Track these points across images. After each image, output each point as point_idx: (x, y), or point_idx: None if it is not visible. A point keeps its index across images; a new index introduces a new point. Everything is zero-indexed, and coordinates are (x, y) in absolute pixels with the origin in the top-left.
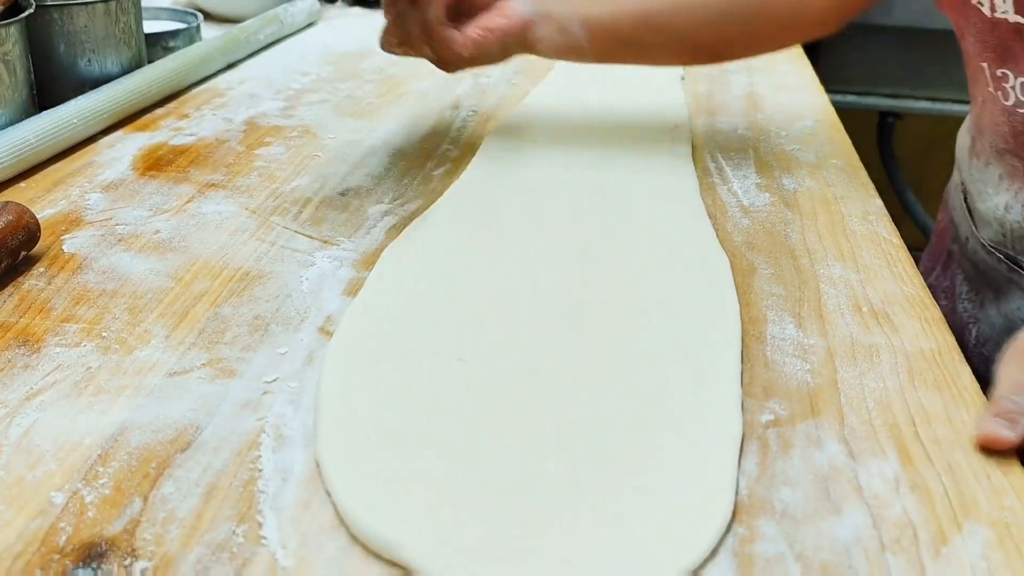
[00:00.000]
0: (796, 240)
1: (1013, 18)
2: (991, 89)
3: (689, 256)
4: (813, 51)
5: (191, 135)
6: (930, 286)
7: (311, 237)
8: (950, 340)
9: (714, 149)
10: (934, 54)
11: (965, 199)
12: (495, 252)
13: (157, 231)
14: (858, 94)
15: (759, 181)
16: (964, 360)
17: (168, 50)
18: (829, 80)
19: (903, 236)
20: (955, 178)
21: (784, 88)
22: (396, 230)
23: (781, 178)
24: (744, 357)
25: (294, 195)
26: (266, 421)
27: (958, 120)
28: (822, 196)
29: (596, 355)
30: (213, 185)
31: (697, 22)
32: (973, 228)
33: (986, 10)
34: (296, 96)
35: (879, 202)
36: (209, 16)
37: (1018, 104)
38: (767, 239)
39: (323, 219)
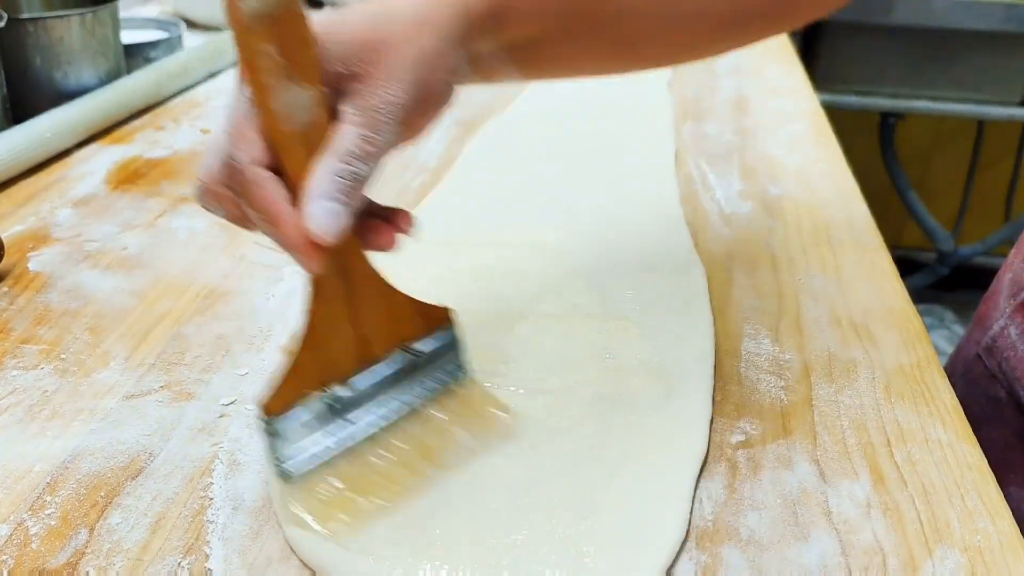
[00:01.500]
0: (778, 250)
1: None
2: None
3: (665, 268)
4: (812, 52)
5: (167, 147)
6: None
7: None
8: (930, 353)
9: (698, 156)
10: (935, 53)
11: None
12: (466, 264)
13: (125, 247)
14: (859, 94)
15: (742, 188)
16: (944, 374)
17: (149, 61)
18: (829, 80)
19: (905, 238)
20: None
21: (774, 91)
22: None
23: (766, 185)
24: (717, 374)
25: None
26: (220, 447)
27: (959, 120)
28: (807, 203)
29: (566, 367)
30: (185, 200)
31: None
32: None
33: None
34: None
35: (864, 208)
36: (194, 25)
37: None
38: (747, 249)
39: None
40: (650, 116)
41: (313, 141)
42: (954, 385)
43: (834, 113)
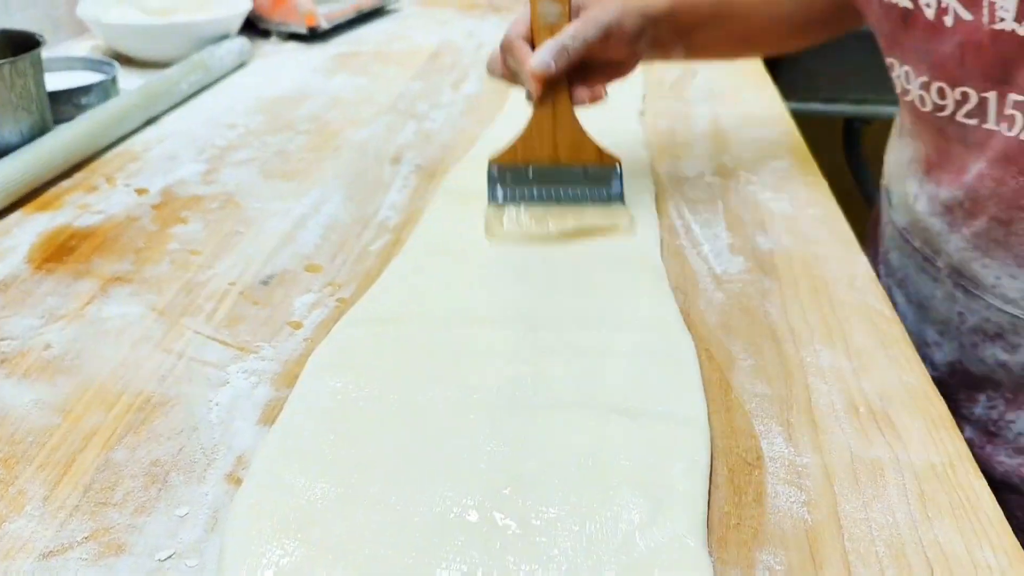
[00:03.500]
0: (777, 318)
1: (903, 3)
2: (892, 77)
3: (650, 348)
4: (776, 60)
5: (99, 213)
6: None
7: (226, 343)
8: (962, 449)
9: (680, 201)
10: None
11: (887, 182)
12: (433, 355)
13: (48, 346)
14: (824, 101)
15: (731, 241)
16: (980, 475)
17: (80, 108)
18: (793, 90)
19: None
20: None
21: (751, 119)
22: (325, 328)
23: (755, 235)
24: (730, 485)
25: (210, 286)
26: None
27: None
28: (802, 257)
29: (541, 478)
30: (118, 279)
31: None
32: (889, 212)
33: None
34: (220, 156)
35: (864, 261)
36: (132, 62)
37: (903, 92)
38: (745, 318)
39: (241, 318)
40: (626, 154)
41: (554, 32)
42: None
43: (800, 120)
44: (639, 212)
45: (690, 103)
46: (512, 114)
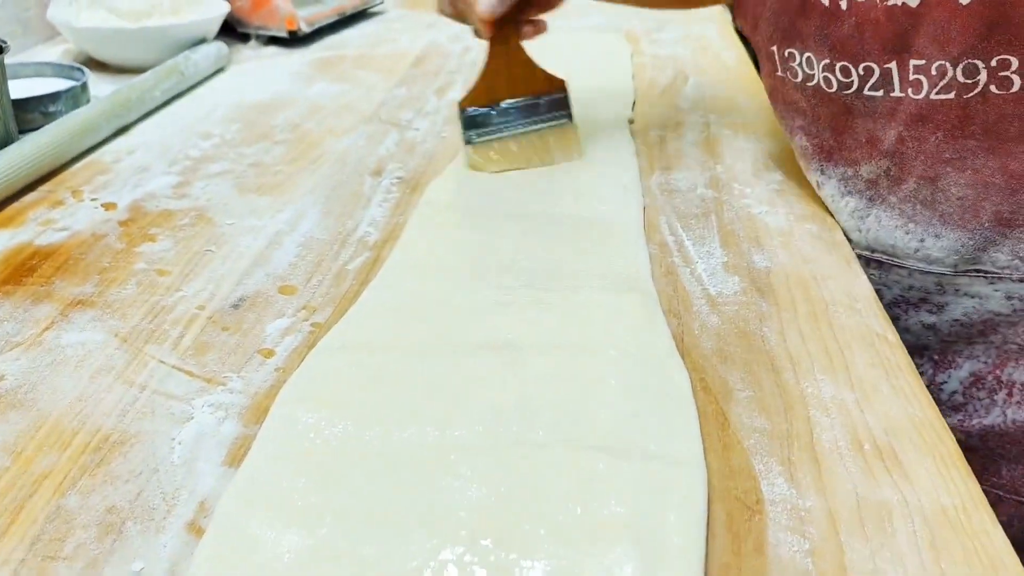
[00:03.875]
0: (775, 343)
1: None
2: (779, 73)
3: (642, 380)
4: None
5: (63, 230)
6: None
7: (191, 374)
8: (974, 489)
9: (671, 216)
10: None
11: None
12: (413, 386)
13: (2, 377)
14: None
15: (726, 259)
16: (995, 519)
17: (48, 116)
18: None
19: None
20: None
21: (745, 128)
22: (298, 355)
23: (751, 252)
24: (729, 533)
25: (177, 310)
26: None
27: None
28: (798, 275)
29: (526, 527)
30: (80, 302)
31: None
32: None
33: None
34: (193, 168)
35: (864, 280)
36: (105, 67)
37: (806, 78)
38: (742, 344)
39: (209, 345)
40: (615, 166)
41: None
42: None
43: None
44: (629, 231)
45: (682, 110)
46: None
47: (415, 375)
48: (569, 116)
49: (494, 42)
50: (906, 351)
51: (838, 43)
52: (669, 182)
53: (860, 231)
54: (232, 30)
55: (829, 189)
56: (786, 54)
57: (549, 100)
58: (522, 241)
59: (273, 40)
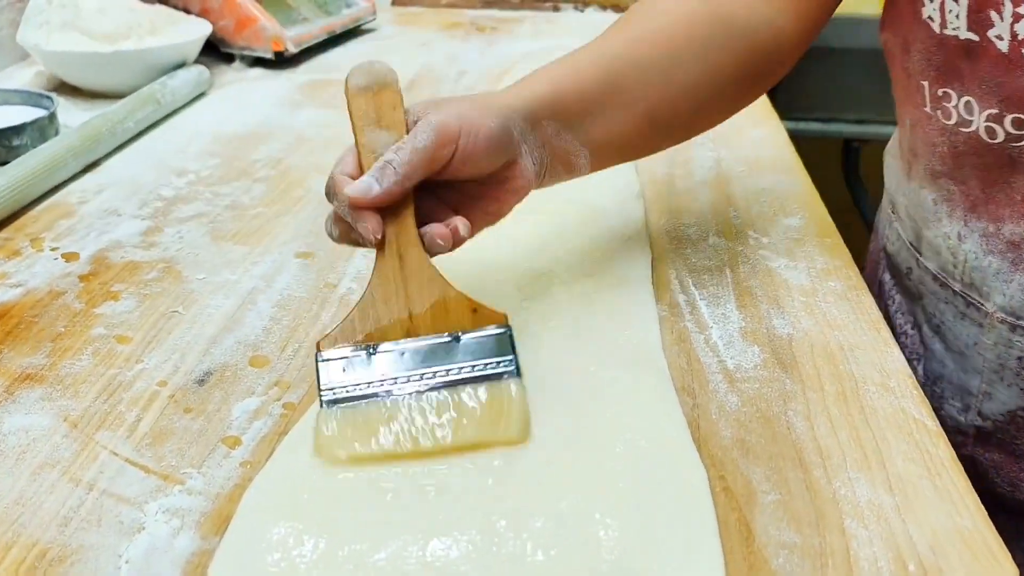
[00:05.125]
0: (802, 431)
1: (964, 35)
2: (927, 109)
3: (653, 484)
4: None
5: (17, 286)
6: None
7: (147, 469)
8: None
9: (682, 269)
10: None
11: (902, 227)
12: (394, 495)
13: None
14: (821, 121)
15: (743, 324)
16: None
17: (11, 150)
18: (789, 108)
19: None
20: (886, 207)
21: (757, 165)
22: (267, 444)
23: (770, 316)
24: None
25: (136, 387)
26: None
27: None
28: (824, 345)
29: None
30: (29, 377)
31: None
32: (918, 257)
33: (935, 27)
34: (165, 210)
35: (898, 353)
36: (79, 92)
37: (961, 123)
38: (765, 433)
39: (168, 432)
40: (619, 210)
41: None
42: None
43: (796, 140)
44: (636, 287)
45: (690, 144)
46: None
47: (395, 481)
48: (512, 368)
49: (380, 249)
50: (947, 440)
51: (1015, 94)
52: (678, 229)
53: (1005, 295)
54: (215, 49)
55: (971, 245)
56: (939, 93)
57: (472, 343)
58: (517, 307)
59: (259, 61)
